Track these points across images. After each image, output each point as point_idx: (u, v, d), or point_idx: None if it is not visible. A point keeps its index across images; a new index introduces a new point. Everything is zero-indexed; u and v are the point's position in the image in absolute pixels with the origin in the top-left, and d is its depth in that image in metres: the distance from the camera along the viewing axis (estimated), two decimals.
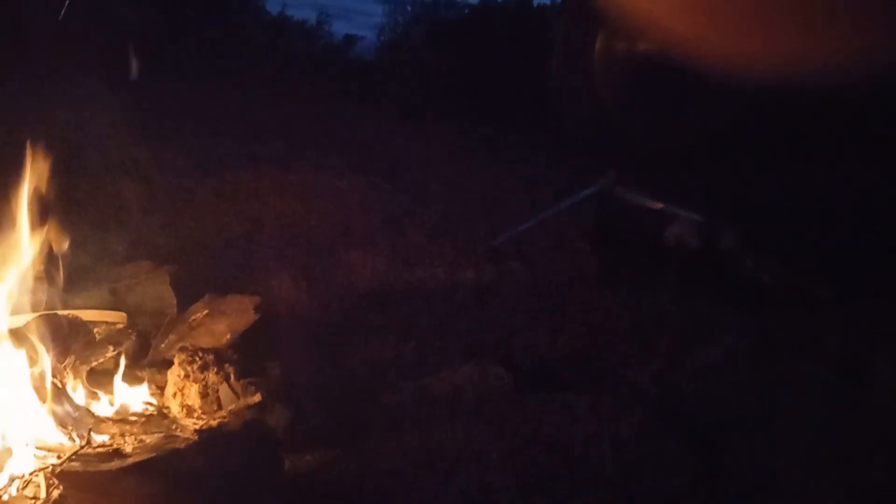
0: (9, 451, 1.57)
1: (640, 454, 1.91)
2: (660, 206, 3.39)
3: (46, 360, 1.70)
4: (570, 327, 2.71)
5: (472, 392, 2.14)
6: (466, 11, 7.69)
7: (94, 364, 1.89)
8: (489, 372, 2.21)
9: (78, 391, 1.82)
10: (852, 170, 3.67)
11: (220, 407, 1.84)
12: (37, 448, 1.61)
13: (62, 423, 1.68)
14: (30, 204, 1.88)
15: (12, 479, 1.52)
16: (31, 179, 1.90)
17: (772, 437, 2.06)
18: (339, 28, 7.84)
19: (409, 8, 7.89)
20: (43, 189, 1.96)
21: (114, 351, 1.91)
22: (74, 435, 1.66)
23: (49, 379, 1.71)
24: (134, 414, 1.82)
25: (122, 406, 1.82)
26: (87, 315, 1.98)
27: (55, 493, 1.50)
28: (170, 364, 1.93)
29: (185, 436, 1.63)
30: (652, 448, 1.93)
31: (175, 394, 1.86)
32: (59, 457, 1.59)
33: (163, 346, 2.10)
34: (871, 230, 3.29)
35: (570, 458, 1.89)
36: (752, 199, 3.71)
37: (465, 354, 2.45)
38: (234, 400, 1.84)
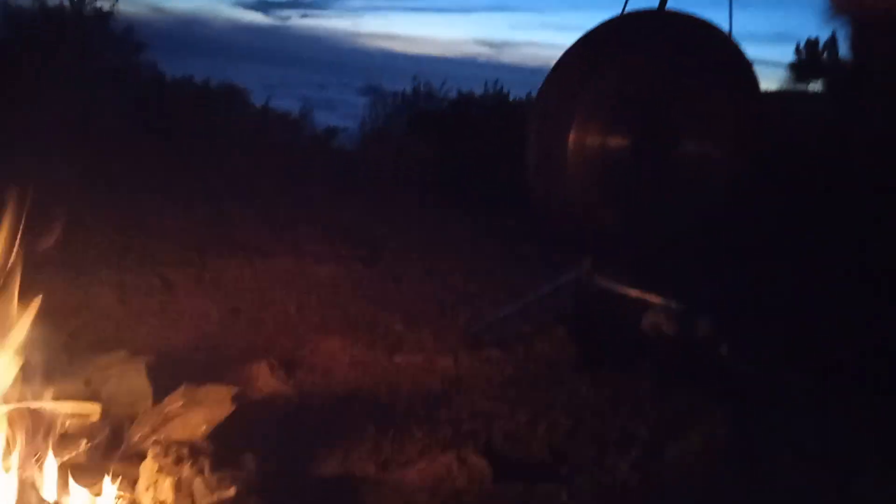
0: None
1: None
2: (636, 293, 3.46)
3: (15, 455, 1.67)
4: (550, 415, 2.70)
5: (452, 484, 2.12)
6: (445, 105, 7.97)
7: (67, 458, 1.85)
8: (469, 462, 2.20)
9: (49, 486, 1.78)
10: (833, 260, 3.79)
11: (193, 501, 1.81)
12: None
13: None
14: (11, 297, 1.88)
15: None
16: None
17: None
18: (323, 118, 8.08)
19: (390, 100, 8.17)
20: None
21: (87, 444, 1.88)
22: None
23: (16, 474, 1.68)
24: None
25: (92, 501, 1.77)
26: (60, 408, 1.95)
27: None
28: (143, 457, 1.90)
29: None
30: None
31: (148, 487, 1.83)
32: None
33: (136, 438, 2.07)
34: (853, 320, 3.36)
35: None
36: (728, 287, 3.80)
37: (445, 444, 2.43)
38: (208, 494, 1.80)
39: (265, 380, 2.72)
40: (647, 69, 3.58)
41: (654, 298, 3.38)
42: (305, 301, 3.57)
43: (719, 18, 3.54)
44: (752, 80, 3.57)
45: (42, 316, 2.04)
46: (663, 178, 3.53)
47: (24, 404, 1.80)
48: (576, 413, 2.73)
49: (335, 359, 3.02)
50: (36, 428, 1.77)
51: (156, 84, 7.12)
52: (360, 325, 3.38)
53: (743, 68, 3.55)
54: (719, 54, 3.53)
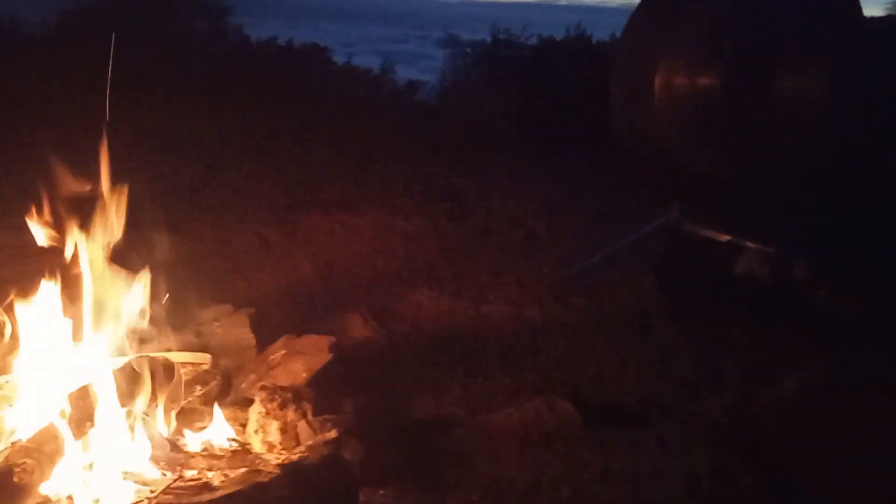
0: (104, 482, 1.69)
1: (712, 489, 1.89)
2: (727, 238, 3.36)
3: (140, 398, 1.83)
4: (638, 362, 2.71)
5: (541, 427, 2.17)
6: (526, 52, 7.81)
7: (184, 403, 2.01)
8: (557, 407, 2.24)
9: (169, 428, 1.94)
10: None
11: (298, 443, 1.93)
12: (132, 482, 1.73)
13: (155, 457, 1.80)
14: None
15: None
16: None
17: (849, 475, 2.00)
18: (403, 72, 8.11)
19: (469, 50, 8.08)
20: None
21: (201, 391, 2.03)
22: (166, 469, 1.78)
23: (142, 416, 1.84)
24: (220, 450, 1.92)
25: (208, 442, 1.93)
26: (175, 357, 2.11)
27: None
28: (251, 402, 2.04)
29: (268, 470, 1.72)
30: (724, 483, 1.91)
31: (257, 430, 1.96)
32: (152, 490, 1.70)
33: (244, 385, 2.22)
34: None
35: (641, 493, 1.89)
36: (826, 228, 3.64)
37: (533, 390, 2.49)
38: (312, 436, 1.92)
39: (358, 329, 2.84)
40: (736, 2, 3.41)
41: (747, 242, 3.28)
42: (393, 255, 3.66)
43: None
44: (854, 7, 3.33)
45: (154, 273, 2.21)
46: (756, 118, 3.37)
47: (145, 354, 1.96)
48: (664, 359, 2.72)
49: (423, 309, 3.11)
50: (157, 375, 1.92)
51: (242, 46, 7.33)
52: (446, 276, 3.45)
53: None
54: None
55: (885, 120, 3.71)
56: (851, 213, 3.80)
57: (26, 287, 1.95)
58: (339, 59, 7.47)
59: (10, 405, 1.89)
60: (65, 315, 1.95)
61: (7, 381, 1.99)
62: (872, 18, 6.19)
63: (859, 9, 3.34)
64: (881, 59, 3.84)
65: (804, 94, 3.35)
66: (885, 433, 2.18)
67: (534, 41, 7.88)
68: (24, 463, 1.59)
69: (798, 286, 3.12)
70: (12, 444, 1.70)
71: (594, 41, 7.84)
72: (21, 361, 1.96)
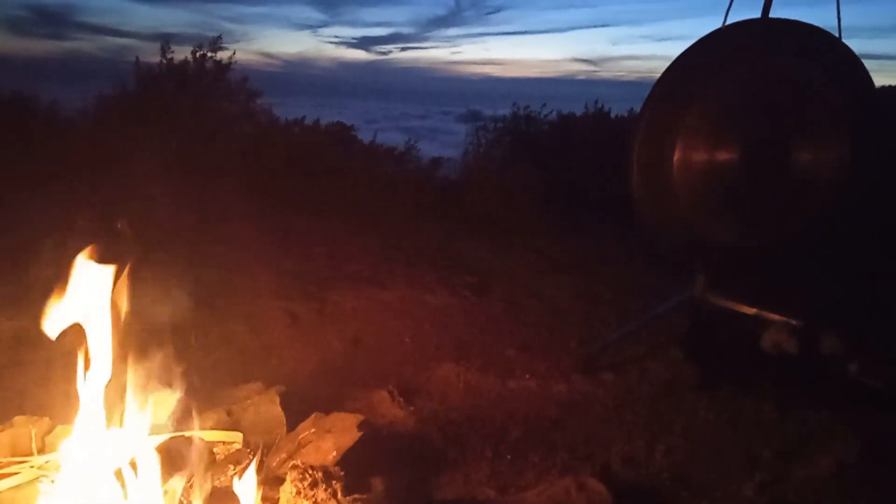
0: None
1: None
2: (753, 311, 3.36)
3: (176, 478, 1.86)
4: (668, 439, 2.68)
5: None
6: (546, 127, 8.01)
7: (216, 483, 2.03)
8: (587, 486, 2.22)
9: None
10: None
11: None
12: None
13: None
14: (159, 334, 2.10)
15: None
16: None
17: None
18: (426, 147, 8.31)
19: (491, 126, 8.29)
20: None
21: (234, 470, 2.06)
22: None
23: (178, 497, 1.87)
24: None
25: None
26: (208, 436, 2.14)
27: None
28: (282, 481, 2.05)
29: None
30: None
31: None
32: None
33: (275, 463, 2.23)
34: None
35: None
36: (854, 299, 3.63)
37: (562, 468, 2.47)
38: None
39: (386, 407, 2.86)
40: (754, 79, 3.50)
41: (773, 315, 3.28)
42: (419, 330, 3.70)
43: (827, 17, 3.42)
44: (866, 82, 3.42)
45: (186, 351, 2.27)
46: (776, 189, 3.42)
47: (178, 433, 2.00)
48: (695, 435, 2.70)
49: (450, 385, 3.12)
50: (189, 456, 1.95)
51: (271, 127, 7.59)
52: (472, 351, 3.47)
53: (854, 70, 3.41)
54: (828, 58, 3.40)
55: None
56: (880, 284, 3.79)
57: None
58: (364, 136, 7.71)
59: (52, 482, 1.93)
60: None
61: (47, 461, 2.03)
62: (885, 87, 6.30)
63: (870, 79, 3.43)
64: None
65: (823, 165, 3.41)
66: None
67: (553, 116, 8.09)
68: None
69: (827, 359, 3.09)
70: None
71: (612, 116, 8.04)
72: (62, 440, 2.01)
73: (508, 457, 2.55)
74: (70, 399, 2.00)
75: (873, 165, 3.48)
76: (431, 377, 3.18)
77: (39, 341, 2.79)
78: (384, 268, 4.58)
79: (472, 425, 2.79)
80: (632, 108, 7.48)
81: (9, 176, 5.39)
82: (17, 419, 2.24)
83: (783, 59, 3.42)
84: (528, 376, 3.21)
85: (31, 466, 2.05)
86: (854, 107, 3.41)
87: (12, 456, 2.11)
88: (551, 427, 2.78)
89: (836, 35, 3.38)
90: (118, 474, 1.78)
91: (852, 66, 3.42)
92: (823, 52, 3.43)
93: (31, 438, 2.11)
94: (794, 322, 3.22)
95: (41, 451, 2.12)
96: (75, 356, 2.03)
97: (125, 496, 1.78)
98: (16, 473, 2.03)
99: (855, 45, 3.42)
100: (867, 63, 3.42)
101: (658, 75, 3.55)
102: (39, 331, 2.54)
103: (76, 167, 5.76)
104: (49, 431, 2.21)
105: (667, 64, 3.52)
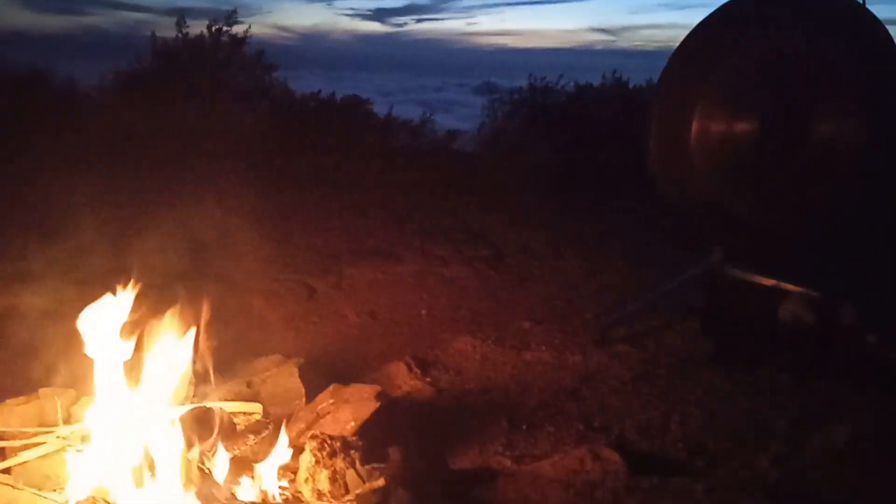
0: None
1: None
2: (772, 282, 3.34)
3: (197, 447, 1.91)
4: (684, 409, 2.69)
5: (586, 476, 2.17)
6: (563, 98, 7.93)
7: (237, 452, 2.07)
8: (602, 456, 2.24)
9: (224, 476, 2.00)
10: None
11: (347, 491, 1.97)
12: None
13: None
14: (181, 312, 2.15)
15: None
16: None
17: None
18: (442, 120, 8.27)
19: (507, 98, 8.22)
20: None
21: (254, 440, 2.10)
22: None
23: (198, 465, 1.91)
24: (272, 498, 1.97)
25: (262, 491, 1.98)
26: (229, 407, 2.18)
27: None
28: (301, 451, 2.09)
29: None
30: None
31: (307, 479, 2.01)
32: None
33: (294, 434, 2.27)
34: None
35: None
36: (873, 271, 3.59)
37: (577, 438, 2.50)
38: (360, 484, 1.97)
39: (403, 378, 2.89)
40: (773, 47, 3.44)
41: (791, 287, 3.26)
42: (436, 303, 3.73)
43: None
44: (889, 50, 3.35)
45: (206, 324, 2.31)
46: (795, 161, 3.37)
47: (199, 404, 2.04)
48: (710, 406, 2.70)
49: (466, 357, 3.15)
50: (210, 425, 2.00)
51: (286, 101, 7.59)
52: (488, 324, 3.49)
53: (878, 37, 3.33)
54: (850, 24, 3.33)
55: None
56: None
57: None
58: (379, 109, 7.69)
59: (80, 451, 1.98)
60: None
61: (72, 431, 2.09)
62: None
63: (893, 47, 3.35)
64: None
65: (842, 137, 3.35)
66: None
67: (571, 87, 8.00)
68: None
69: (845, 331, 3.08)
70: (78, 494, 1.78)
71: (631, 86, 7.94)
72: (90, 410, 2.06)
73: (524, 427, 2.58)
74: (94, 371, 2.04)
75: (894, 136, 3.43)
76: (447, 349, 3.21)
77: (65, 315, 2.86)
78: (400, 241, 4.60)
79: (487, 396, 2.82)
80: (650, 79, 7.38)
81: (25, 151, 5.44)
82: (43, 391, 2.29)
83: (802, 27, 3.35)
84: (543, 348, 3.23)
85: (58, 437, 2.11)
86: (875, 76, 3.34)
87: (39, 426, 2.17)
88: (567, 398, 2.80)
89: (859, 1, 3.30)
90: (141, 443, 1.82)
91: (874, 33, 3.34)
92: (844, 19, 3.36)
93: (56, 409, 2.17)
94: (812, 293, 3.20)
95: (66, 421, 2.17)
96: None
97: (148, 465, 1.83)
98: (43, 443, 2.09)
99: (879, 10, 3.35)
100: (892, 29, 3.34)
101: (677, 45, 3.50)
102: (63, 305, 2.60)
103: (93, 142, 5.81)
104: (75, 402, 2.27)
105: (686, 33, 3.48)
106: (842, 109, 3.37)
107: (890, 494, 2.12)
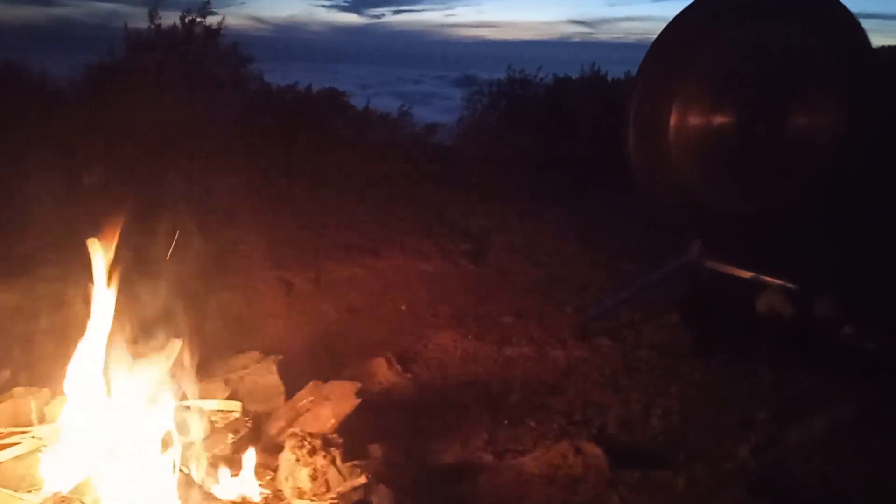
0: None
1: None
2: (750, 274, 3.37)
3: (176, 447, 1.87)
4: (664, 402, 2.71)
5: (568, 471, 2.17)
6: (542, 91, 7.91)
7: (216, 451, 2.04)
8: (584, 450, 2.24)
9: (202, 476, 1.97)
10: None
11: (328, 489, 1.95)
12: None
13: None
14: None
15: None
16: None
17: None
18: (420, 113, 8.21)
19: (486, 90, 8.19)
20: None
21: (232, 438, 2.07)
22: None
23: (178, 465, 1.88)
24: (252, 497, 1.95)
25: (241, 489, 1.96)
26: (207, 406, 2.15)
27: None
28: (281, 449, 2.06)
29: None
30: None
31: (287, 477, 1.99)
32: None
33: (273, 431, 2.25)
34: None
35: None
36: (849, 263, 3.63)
37: (559, 433, 2.50)
38: (342, 482, 1.95)
39: (384, 374, 2.87)
40: (750, 41, 3.46)
41: (768, 279, 3.29)
42: (416, 298, 3.70)
43: None
44: (863, 43, 3.38)
45: (182, 321, 2.26)
46: (772, 154, 3.40)
47: (177, 403, 2.01)
48: (690, 399, 2.72)
49: (447, 352, 3.14)
50: (188, 423, 1.96)
51: (262, 94, 7.49)
52: (469, 318, 3.48)
53: (851, 31, 3.37)
54: (824, 19, 3.36)
55: None
56: (875, 247, 3.79)
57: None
58: (357, 101, 7.61)
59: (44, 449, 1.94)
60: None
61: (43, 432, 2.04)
62: (884, 48, 6.22)
63: (868, 41, 3.39)
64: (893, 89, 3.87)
65: (819, 130, 3.38)
66: None
67: (549, 79, 7.99)
68: None
69: (822, 323, 3.11)
70: (53, 494, 1.74)
71: (609, 79, 7.95)
72: (62, 411, 2.02)
73: (506, 422, 2.57)
74: (69, 370, 2.00)
75: (870, 129, 3.47)
76: (428, 344, 3.19)
77: (37, 312, 2.80)
78: (379, 236, 4.56)
79: (469, 392, 2.81)
80: (629, 71, 7.39)
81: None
82: (17, 390, 2.24)
83: (778, 21, 3.37)
84: (524, 343, 3.23)
85: (32, 437, 2.06)
86: (850, 69, 3.37)
87: (13, 426, 2.12)
88: (548, 392, 2.80)
89: None
90: (117, 443, 1.79)
91: (849, 27, 3.37)
92: (819, 13, 3.38)
93: (31, 409, 2.12)
94: (789, 285, 3.23)
95: (41, 421, 2.13)
96: (73, 328, 2.03)
97: (125, 465, 1.79)
98: (17, 444, 2.04)
99: (853, 4, 3.38)
100: (866, 23, 3.38)
101: (655, 37, 3.50)
102: (37, 302, 2.54)
103: (66, 135, 5.69)
104: (49, 402, 2.22)
105: (664, 25, 3.48)
106: (818, 102, 3.40)
107: (868, 483, 2.15)
